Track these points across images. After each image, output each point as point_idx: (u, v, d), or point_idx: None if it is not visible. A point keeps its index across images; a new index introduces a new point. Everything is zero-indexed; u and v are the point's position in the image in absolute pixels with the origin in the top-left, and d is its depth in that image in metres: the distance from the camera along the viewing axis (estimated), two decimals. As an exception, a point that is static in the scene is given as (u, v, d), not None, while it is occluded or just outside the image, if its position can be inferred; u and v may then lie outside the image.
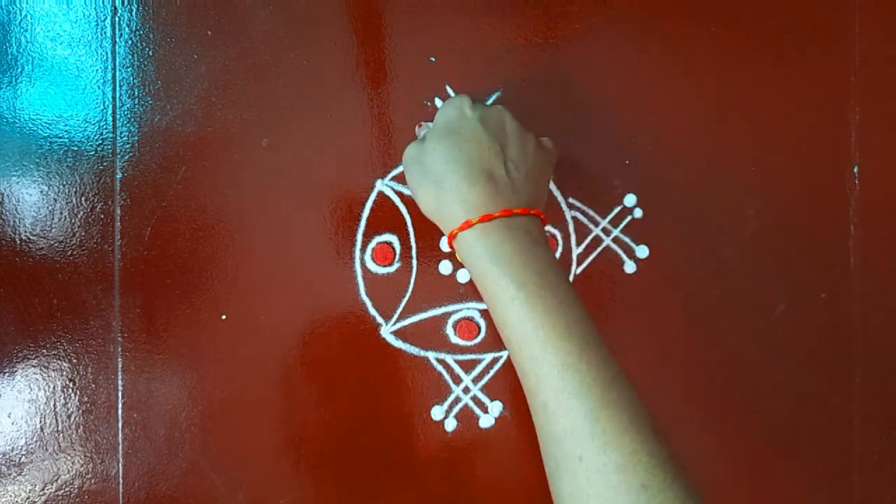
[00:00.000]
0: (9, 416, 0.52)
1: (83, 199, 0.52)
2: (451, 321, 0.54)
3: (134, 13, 0.52)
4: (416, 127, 0.52)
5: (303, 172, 0.53)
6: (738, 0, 0.54)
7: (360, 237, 0.53)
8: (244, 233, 0.52)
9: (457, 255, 0.44)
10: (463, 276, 0.54)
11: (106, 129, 0.52)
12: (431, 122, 0.49)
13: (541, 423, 0.39)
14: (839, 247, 0.55)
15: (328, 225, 0.53)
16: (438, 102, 0.53)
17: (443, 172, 0.43)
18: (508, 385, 0.54)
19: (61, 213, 0.52)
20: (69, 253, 0.52)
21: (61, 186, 0.51)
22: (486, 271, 0.41)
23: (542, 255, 0.41)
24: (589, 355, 0.38)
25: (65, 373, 0.52)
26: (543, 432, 0.39)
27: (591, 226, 0.54)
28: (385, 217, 0.53)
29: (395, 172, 0.53)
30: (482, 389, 0.54)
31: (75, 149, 0.52)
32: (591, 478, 0.36)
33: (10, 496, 0.52)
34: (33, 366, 0.52)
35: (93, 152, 0.52)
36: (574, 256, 0.54)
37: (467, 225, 0.41)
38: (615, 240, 0.54)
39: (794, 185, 0.55)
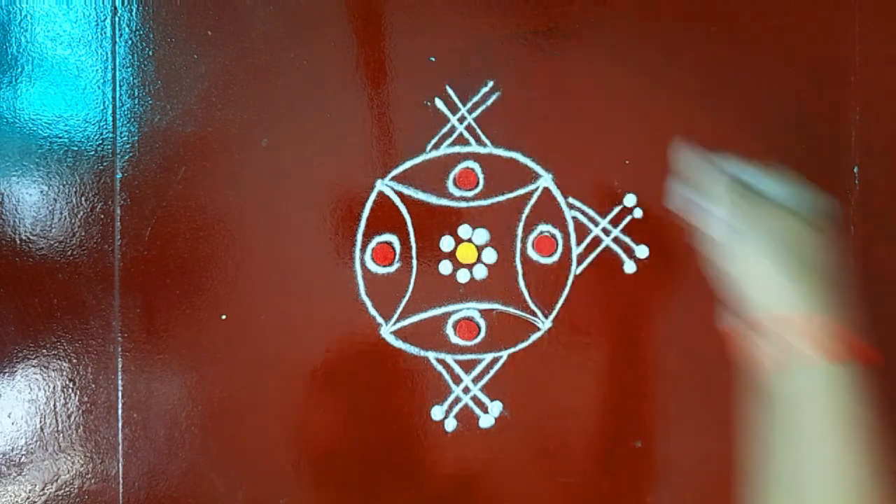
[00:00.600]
0: (9, 416, 0.52)
1: (83, 199, 0.52)
2: (451, 321, 0.54)
3: (134, 13, 0.52)
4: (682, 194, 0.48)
5: (303, 172, 0.53)
6: (738, 0, 0.54)
7: (360, 237, 0.53)
8: (244, 233, 0.52)
9: (779, 358, 0.42)
10: (463, 276, 0.54)
11: (106, 129, 0.52)
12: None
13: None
14: (839, 247, 0.55)
15: (328, 225, 0.53)
16: (439, 102, 0.53)
17: (806, 300, 0.41)
18: (508, 385, 0.54)
19: (61, 213, 0.52)
20: (69, 253, 0.52)
21: (61, 186, 0.51)
22: (824, 410, 0.40)
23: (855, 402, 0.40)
24: None
25: (65, 373, 0.52)
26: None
27: (591, 226, 0.54)
28: (385, 217, 0.53)
29: (395, 172, 0.53)
30: (482, 389, 0.54)
31: (75, 149, 0.52)
32: None
33: (10, 496, 0.52)
34: (33, 366, 0.52)
35: (93, 152, 0.52)
36: (574, 256, 0.54)
37: (827, 358, 0.40)
38: (615, 240, 0.54)
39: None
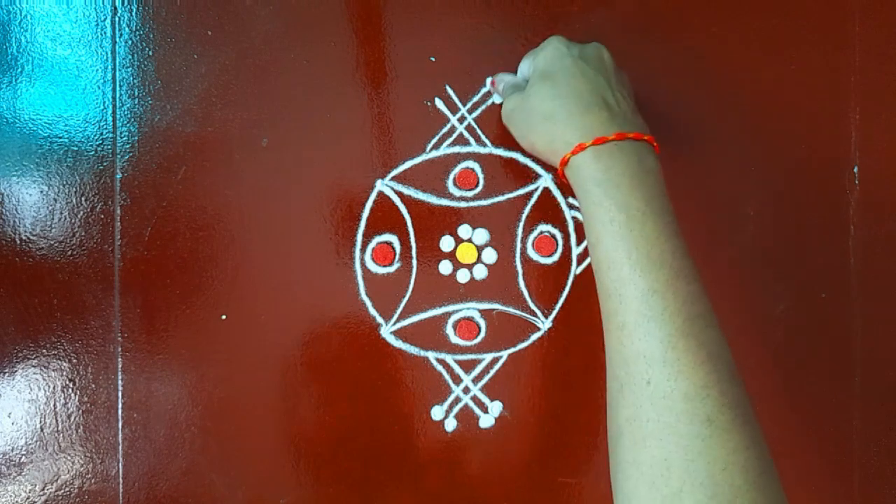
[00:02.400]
0: (9, 416, 0.52)
1: (83, 199, 0.52)
2: (451, 321, 0.54)
3: (134, 13, 0.52)
4: (490, 83, 0.52)
5: (303, 172, 0.53)
6: (739, 0, 0.54)
7: (360, 237, 0.53)
8: (244, 233, 0.52)
9: (569, 182, 0.44)
10: (463, 276, 0.54)
11: (106, 129, 0.52)
12: (504, 75, 0.52)
13: (613, 345, 0.39)
14: (839, 247, 0.55)
15: (328, 225, 0.53)
16: (439, 102, 0.53)
17: (553, 108, 0.43)
18: (508, 385, 0.54)
19: (61, 213, 0.52)
20: (69, 253, 0.52)
21: (61, 186, 0.51)
22: (591, 193, 0.40)
23: (652, 184, 0.40)
24: (678, 286, 0.37)
25: (65, 373, 0.52)
26: (615, 352, 0.39)
27: (591, 226, 0.54)
28: (385, 217, 0.53)
29: (395, 172, 0.53)
30: (482, 389, 0.54)
31: (75, 149, 0.52)
32: (655, 403, 0.35)
33: (10, 496, 0.52)
34: (33, 366, 0.52)
35: (93, 152, 0.52)
36: (574, 256, 0.54)
37: (580, 148, 0.41)
38: (615, 240, 0.54)
39: (794, 185, 0.55)
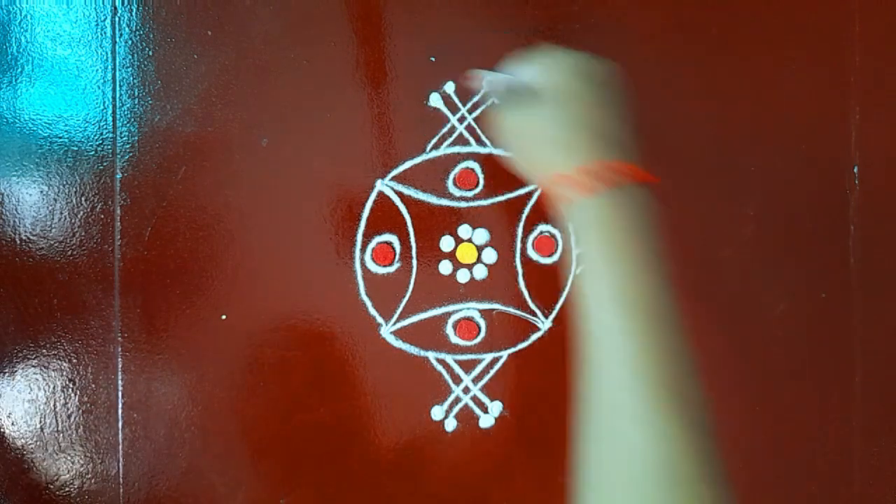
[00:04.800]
0: (9, 416, 0.52)
1: (83, 199, 0.52)
2: (451, 321, 0.54)
3: (134, 13, 0.52)
4: (475, 78, 0.52)
5: (303, 172, 0.53)
6: (739, 1, 0.54)
7: (360, 237, 0.53)
8: (244, 233, 0.52)
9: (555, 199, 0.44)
10: (463, 276, 0.54)
11: (106, 129, 0.52)
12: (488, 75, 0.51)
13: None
14: (839, 247, 0.55)
15: (328, 225, 0.53)
16: (439, 102, 0.53)
17: (553, 136, 0.43)
18: (508, 385, 0.54)
19: (61, 213, 0.52)
20: (69, 253, 0.52)
21: (61, 186, 0.51)
22: (575, 220, 0.42)
23: (624, 216, 0.43)
24: None
25: (65, 373, 0.52)
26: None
27: (591, 226, 0.54)
28: (385, 217, 0.53)
29: (395, 172, 0.53)
30: (482, 389, 0.54)
31: (75, 149, 0.52)
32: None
33: (11, 496, 0.52)
34: (33, 366, 0.52)
35: (93, 152, 0.52)
36: (574, 256, 0.54)
37: (565, 178, 0.42)
38: (615, 240, 0.54)
39: (794, 185, 0.55)
